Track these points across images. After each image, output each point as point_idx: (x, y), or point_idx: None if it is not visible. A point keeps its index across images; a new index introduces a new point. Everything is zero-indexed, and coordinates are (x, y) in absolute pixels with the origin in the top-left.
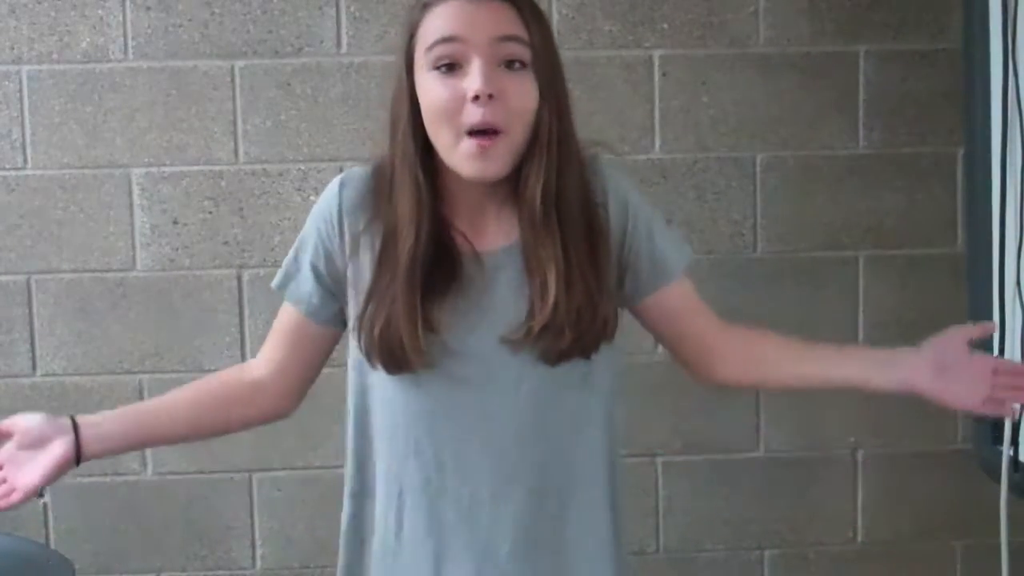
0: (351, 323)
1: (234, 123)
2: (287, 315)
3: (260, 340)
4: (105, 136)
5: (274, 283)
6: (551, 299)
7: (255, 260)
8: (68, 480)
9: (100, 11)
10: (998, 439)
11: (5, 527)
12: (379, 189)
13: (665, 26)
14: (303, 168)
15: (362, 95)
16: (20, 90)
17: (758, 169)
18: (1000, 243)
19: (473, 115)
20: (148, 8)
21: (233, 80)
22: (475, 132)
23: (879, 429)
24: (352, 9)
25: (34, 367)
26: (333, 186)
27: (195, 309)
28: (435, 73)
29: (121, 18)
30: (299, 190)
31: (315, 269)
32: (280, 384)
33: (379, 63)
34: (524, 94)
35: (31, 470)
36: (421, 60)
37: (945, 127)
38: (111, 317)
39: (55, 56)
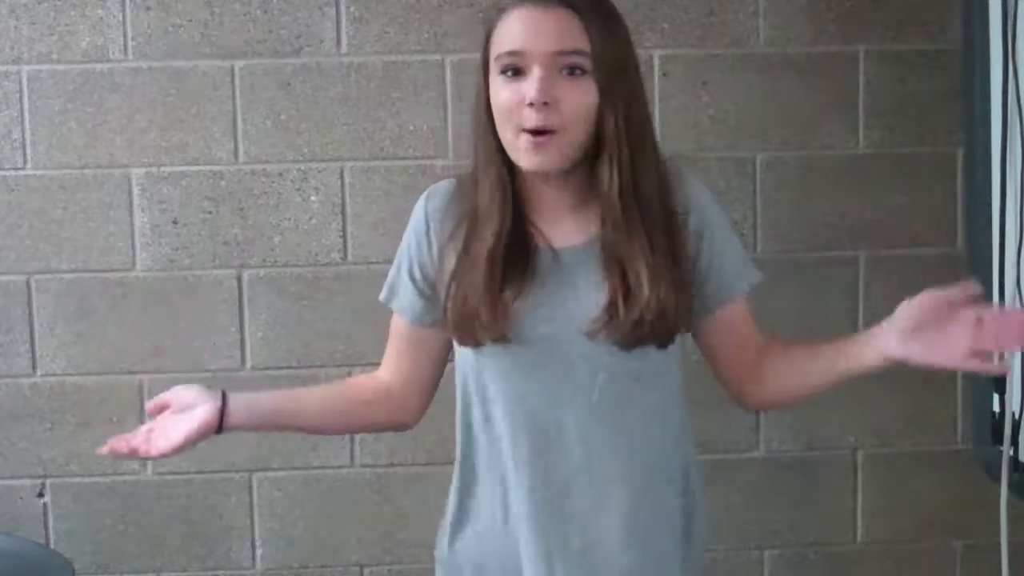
0: None
1: (234, 123)
2: (396, 325)
3: (260, 340)
4: (105, 136)
5: (381, 296)
6: (643, 292)
7: (255, 260)
8: (68, 480)
9: (100, 11)
10: (998, 439)
11: (5, 527)
12: (463, 194)
13: (665, 26)
14: (303, 168)
15: (362, 95)
16: (20, 90)
17: (758, 169)
18: (1000, 243)
19: (529, 118)
20: (148, 8)
21: (233, 80)
22: (531, 131)
23: (879, 429)
24: (352, 9)
25: (34, 367)
26: (420, 200)
27: (195, 309)
28: (502, 78)
29: (121, 18)
30: (299, 190)
31: (413, 278)
32: (401, 390)
33: (379, 63)
34: (579, 99)
35: (175, 432)
36: (493, 64)
37: (945, 127)
38: (111, 317)
39: (55, 56)
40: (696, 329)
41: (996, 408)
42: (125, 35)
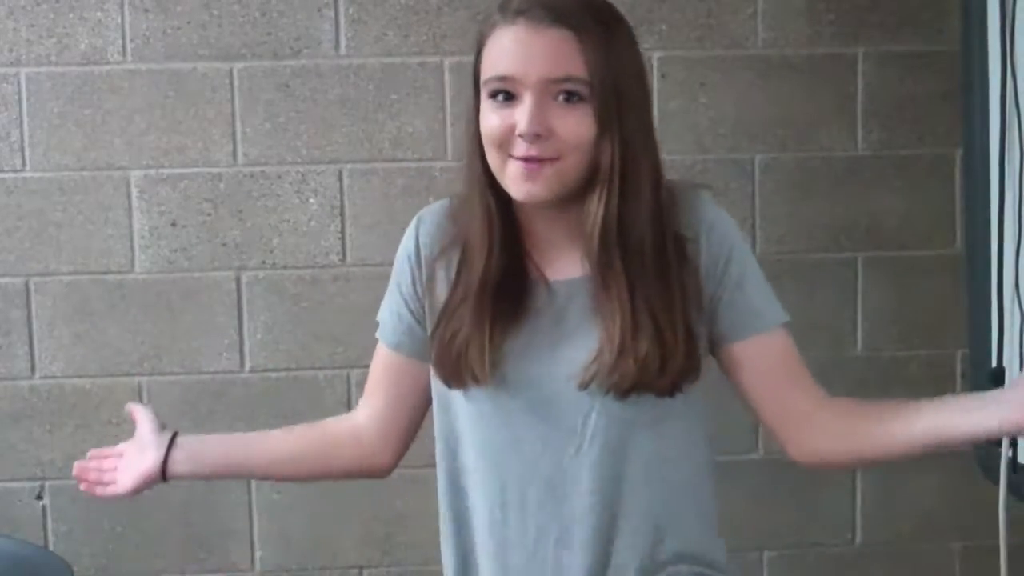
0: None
1: (233, 125)
2: (379, 355)
3: (259, 342)
4: (104, 138)
5: (378, 318)
6: (616, 340)
7: (254, 262)
8: (67, 482)
9: (99, 13)
10: (997, 440)
11: (4, 529)
12: (455, 217)
13: (664, 27)
14: (302, 170)
15: (360, 97)
16: (19, 92)
17: (757, 170)
18: (998, 244)
19: (520, 148)
20: (146, 10)
21: (232, 82)
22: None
23: None
24: (350, 11)
25: (33, 369)
26: (412, 225)
27: (194, 311)
28: (492, 102)
29: (119, 20)
30: (298, 192)
31: (399, 304)
32: (377, 431)
33: (378, 65)
34: (576, 128)
35: (125, 475)
36: (483, 86)
37: (943, 128)
38: (110, 319)
39: (54, 58)
40: (722, 365)
41: None
42: (124, 37)
